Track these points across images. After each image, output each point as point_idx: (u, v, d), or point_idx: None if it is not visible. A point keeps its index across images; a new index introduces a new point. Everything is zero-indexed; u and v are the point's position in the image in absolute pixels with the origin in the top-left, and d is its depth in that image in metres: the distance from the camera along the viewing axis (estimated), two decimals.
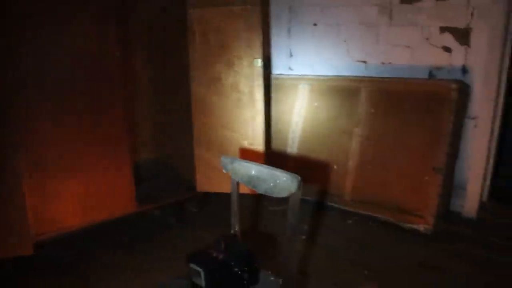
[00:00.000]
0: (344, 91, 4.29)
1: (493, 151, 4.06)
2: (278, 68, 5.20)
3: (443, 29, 3.94)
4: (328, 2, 4.63)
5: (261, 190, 1.77)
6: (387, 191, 3.96)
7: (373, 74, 4.41)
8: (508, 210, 4.10)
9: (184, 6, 4.13)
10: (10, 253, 3.21)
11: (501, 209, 4.10)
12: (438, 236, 3.67)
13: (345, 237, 3.77)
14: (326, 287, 3.01)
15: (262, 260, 1.88)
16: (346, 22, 4.54)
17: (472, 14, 3.76)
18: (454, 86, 3.65)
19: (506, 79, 3.88)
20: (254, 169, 1.81)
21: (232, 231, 2.07)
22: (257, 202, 4.41)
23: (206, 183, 4.48)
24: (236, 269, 1.74)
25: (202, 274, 1.65)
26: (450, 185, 4.05)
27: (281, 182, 1.67)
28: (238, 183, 1.98)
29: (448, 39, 3.92)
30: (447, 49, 3.94)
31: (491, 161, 4.08)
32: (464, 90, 3.79)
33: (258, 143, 4.30)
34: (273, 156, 4.69)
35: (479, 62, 3.81)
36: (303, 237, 3.72)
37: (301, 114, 4.58)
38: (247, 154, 4.27)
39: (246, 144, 4.33)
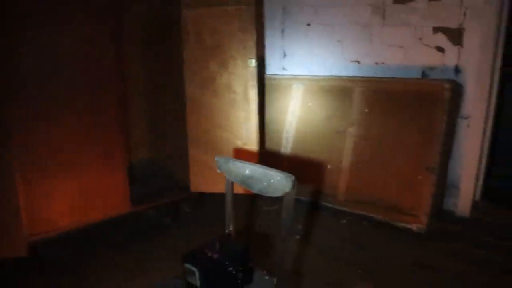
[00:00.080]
0: (338, 91, 4.30)
1: (485, 151, 4.08)
2: (272, 68, 5.20)
3: (436, 29, 3.96)
4: (321, 3, 4.64)
5: (255, 189, 1.78)
6: (381, 190, 3.97)
7: (367, 74, 4.42)
8: (501, 209, 4.12)
9: (178, 6, 4.13)
10: (4, 254, 3.20)
11: (494, 209, 4.12)
12: (431, 235, 3.69)
13: (339, 236, 3.78)
14: (320, 286, 3.01)
15: (257, 259, 1.89)
16: (340, 22, 4.55)
17: (464, 14, 3.78)
18: (447, 86, 3.67)
19: (498, 79, 3.91)
20: (248, 169, 1.81)
21: (226, 231, 2.08)
22: (251, 202, 4.42)
23: (200, 183, 4.48)
24: (230, 269, 1.75)
25: (197, 273, 1.66)
26: (444, 184, 4.07)
27: (275, 182, 1.67)
28: (232, 183, 1.98)
29: (441, 39, 3.94)
30: (440, 49, 3.97)
31: (484, 161, 4.11)
32: (457, 90, 3.82)
33: (252, 143, 4.30)
34: (267, 156, 4.70)
35: (471, 62, 3.83)
36: (297, 237, 3.73)
37: (295, 114, 4.59)
38: (241, 154, 4.27)
39: (240, 144, 4.33)
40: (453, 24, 3.86)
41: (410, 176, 3.82)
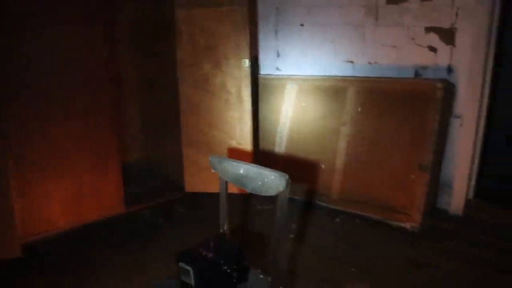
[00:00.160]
0: (331, 90, 4.31)
1: (478, 151, 4.11)
2: (266, 68, 5.21)
3: (428, 29, 3.98)
4: (315, 3, 4.65)
5: (249, 188, 1.78)
6: (375, 189, 3.99)
7: (360, 74, 4.44)
8: (494, 208, 4.15)
9: (172, 7, 4.14)
10: None
11: (487, 207, 4.15)
12: (425, 233, 3.71)
13: (333, 235, 3.80)
14: (315, 285, 3.02)
15: (251, 259, 1.89)
16: (333, 22, 4.57)
17: (456, 14, 3.80)
18: (439, 85, 3.69)
19: (490, 79, 3.93)
20: (242, 168, 1.82)
21: (221, 230, 2.09)
22: (246, 201, 4.42)
23: (194, 183, 4.49)
24: (225, 268, 1.76)
25: (192, 272, 1.67)
26: (437, 183, 4.10)
27: (269, 181, 1.68)
28: (226, 183, 1.99)
29: (434, 39, 3.97)
30: (433, 49, 3.99)
31: (476, 160, 4.13)
32: (449, 89, 3.84)
33: (246, 143, 4.32)
34: (261, 155, 4.71)
35: (464, 62, 3.86)
36: (292, 236, 3.74)
37: (288, 113, 4.60)
38: (235, 154, 4.29)
39: (234, 144, 4.34)
40: (445, 24, 3.88)
41: (403, 175, 3.84)
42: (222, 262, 1.75)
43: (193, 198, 4.48)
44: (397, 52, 4.20)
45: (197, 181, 4.47)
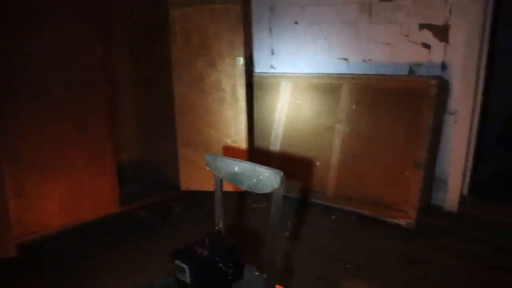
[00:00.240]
0: (326, 88, 4.32)
1: (472, 147, 4.12)
2: (260, 66, 5.21)
3: (422, 26, 3.99)
4: (309, 1, 4.66)
5: (244, 186, 1.78)
6: (369, 186, 4.00)
7: (354, 71, 4.45)
8: (488, 204, 4.16)
9: (166, 5, 4.13)
10: None
11: (482, 204, 4.16)
12: (420, 230, 3.73)
13: (328, 232, 3.80)
14: (310, 282, 3.03)
15: (247, 256, 1.90)
16: (327, 20, 4.57)
17: (450, 11, 3.81)
18: (433, 82, 3.70)
19: (484, 76, 3.95)
20: (237, 166, 1.82)
21: (216, 228, 2.09)
22: (241, 200, 4.42)
23: (190, 181, 4.49)
24: (220, 265, 1.76)
25: (187, 270, 1.66)
26: (432, 179, 4.11)
27: (264, 178, 1.68)
28: (221, 181, 1.99)
29: (427, 36, 3.98)
30: (427, 46, 4.00)
31: (470, 157, 4.14)
32: (443, 86, 3.85)
33: (241, 141, 4.32)
34: (256, 153, 4.71)
35: (457, 59, 3.87)
36: (287, 233, 3.75)
37: (283, 111, 4.60)
38: (230, 152, 4.29)
39: (229, 142, 4.34)
40: (438, 21, 3.89)
41: (398, 172, 3.85)
42: (217, 259, 1.76)
43: (189, 197, 4.48)
44: (391, 49, 4.21)
45: (192, 180, 4.47)
